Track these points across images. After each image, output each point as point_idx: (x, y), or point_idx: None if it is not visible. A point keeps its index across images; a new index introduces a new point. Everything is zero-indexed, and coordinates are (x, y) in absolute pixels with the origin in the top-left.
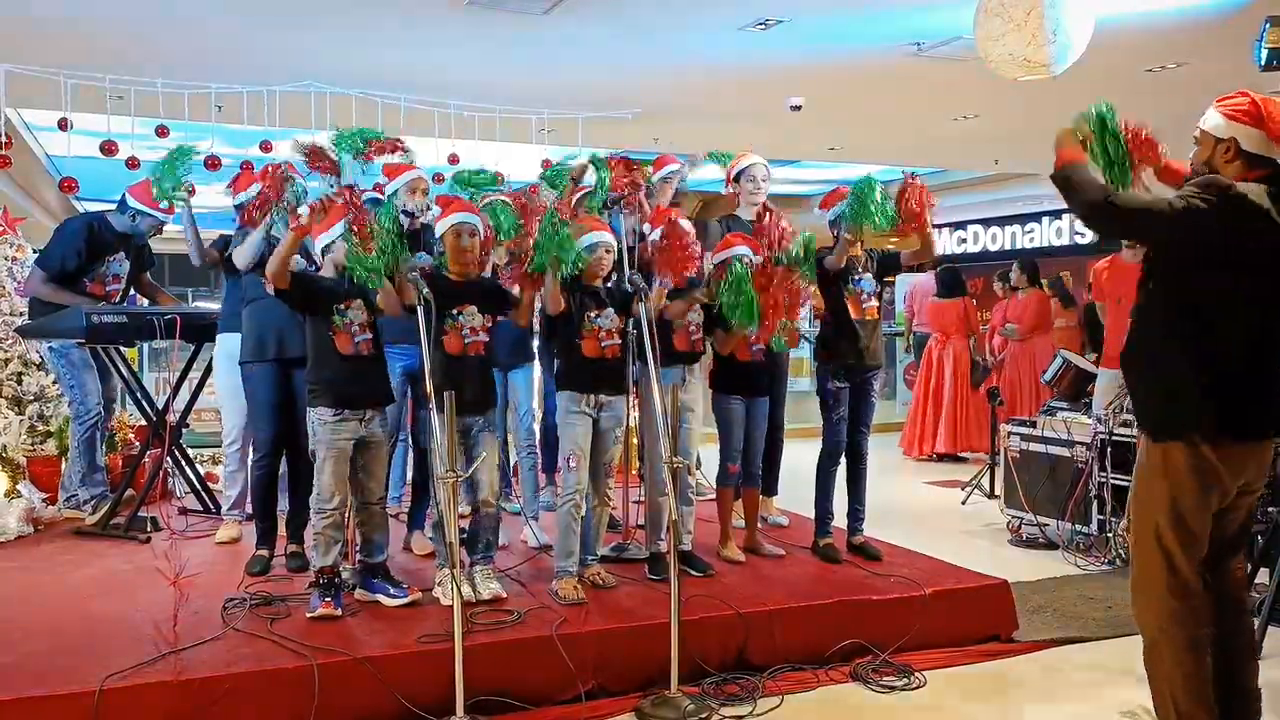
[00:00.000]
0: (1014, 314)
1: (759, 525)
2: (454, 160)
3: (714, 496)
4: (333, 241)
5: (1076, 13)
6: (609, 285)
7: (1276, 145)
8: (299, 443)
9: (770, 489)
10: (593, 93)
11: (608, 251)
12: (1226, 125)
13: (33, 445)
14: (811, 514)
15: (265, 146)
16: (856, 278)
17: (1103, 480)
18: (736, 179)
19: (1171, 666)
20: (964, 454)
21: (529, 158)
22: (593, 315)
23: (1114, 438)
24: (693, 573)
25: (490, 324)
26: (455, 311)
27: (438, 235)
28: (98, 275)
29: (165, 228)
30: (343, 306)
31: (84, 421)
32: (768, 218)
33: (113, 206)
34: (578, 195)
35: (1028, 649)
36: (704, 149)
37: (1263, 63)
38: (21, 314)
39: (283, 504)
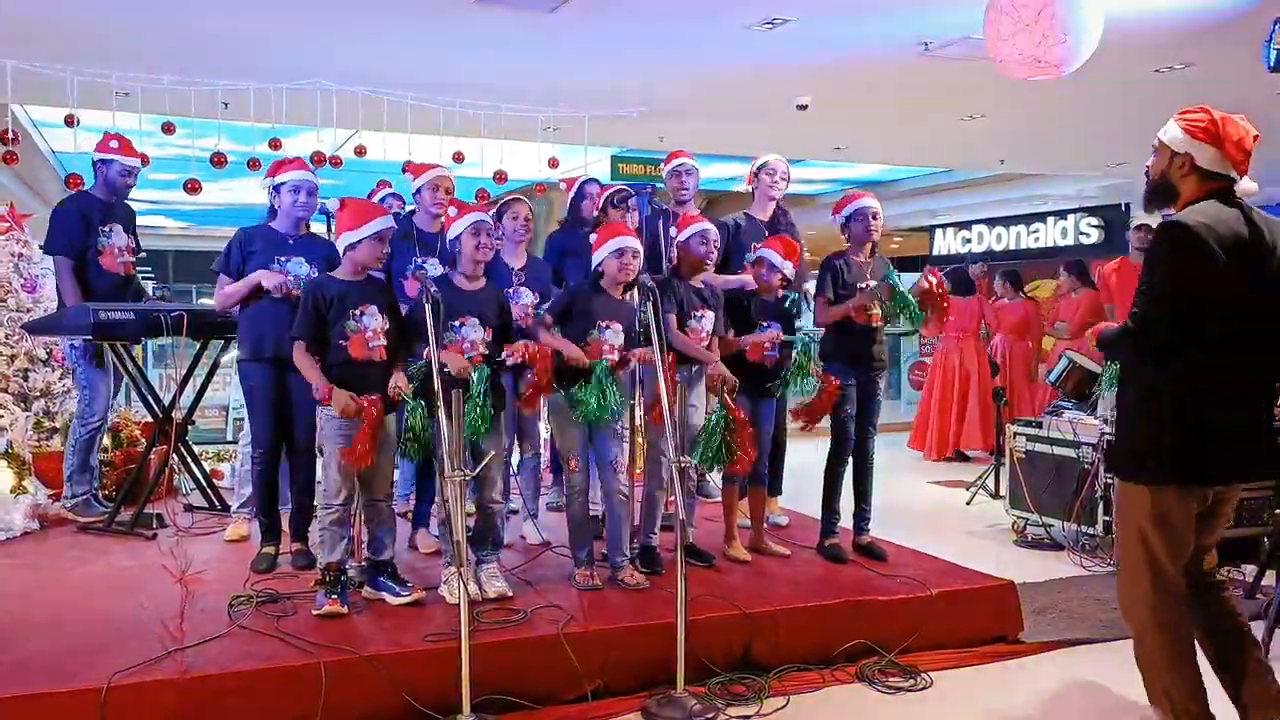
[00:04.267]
0: (1066, 314)
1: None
2: (458, 158)
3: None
4: (359, 241)
5: (1087, 12)
6: (627, 295)
7: (1230, 164)
8: (296, 442)
9: (774, 489)
10: (598, 91)
11: (634, 256)
12: (1185, 140)
13: (39, 441)
14: (814, 513)
15: (274, 144)
16: (863, 287)
17: (1108, 481)
18: (757, 173)
19: (1162, 660)
20: (968, 452)
21: (533, 155)
22: (602, 326)
23: None
24: (698, 564)
25: (490, 336)
26: (457, 324)
27: (453, 237)
28: (104, 248)
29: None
30: (357, 312)
31: (86, 423)
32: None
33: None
34: (605, 195)
35: (1034, 650)
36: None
37: (1271, 64)
38: (28, 310)
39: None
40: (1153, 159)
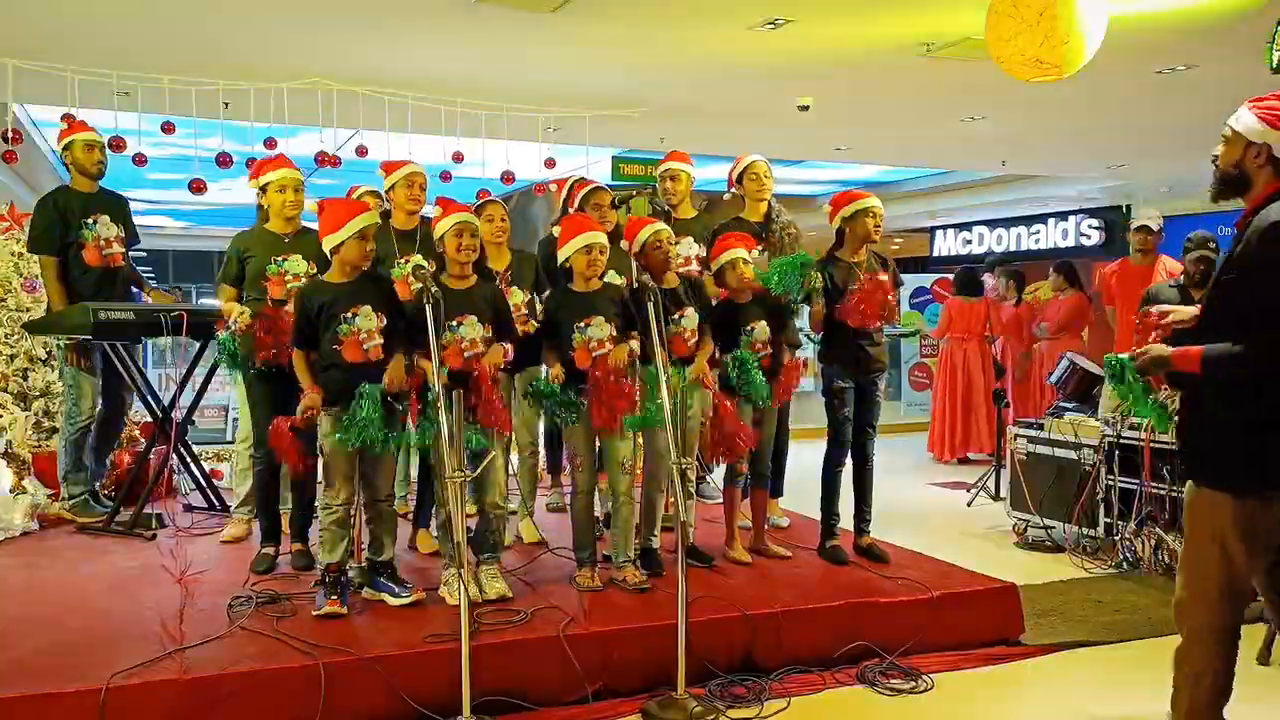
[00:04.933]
0: (1050, 315)
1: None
2: (459, 158)
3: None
4: (342, 242)
5: (1089, 13)
6: (605, 283)
7: None
8: None
9: (775, 490)
10: (600, 91)
11: (601, 252)
12: (1261, 129)
13: (38, 441)
14: (815, 515)
15: (270, 143)
16: (855, 289)
17: (1110, 483)
18: (739, 180)
19: (1202, 666)
20: (971, 454)
21: (534, 156)
22: (581, 326)
23: (1122, 440)
24: (699, 565)
25: (489, 334)
26: (455, 323)
27: (437, 236)
28: (88, 242)
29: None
30: (349, 314)
31: (74, 423)
32: (778, 218)
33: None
34: (582, 192)
35: (1035, 652)
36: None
37: (1274, 65)
38: (28, 310)
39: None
40: (1222, 148)
